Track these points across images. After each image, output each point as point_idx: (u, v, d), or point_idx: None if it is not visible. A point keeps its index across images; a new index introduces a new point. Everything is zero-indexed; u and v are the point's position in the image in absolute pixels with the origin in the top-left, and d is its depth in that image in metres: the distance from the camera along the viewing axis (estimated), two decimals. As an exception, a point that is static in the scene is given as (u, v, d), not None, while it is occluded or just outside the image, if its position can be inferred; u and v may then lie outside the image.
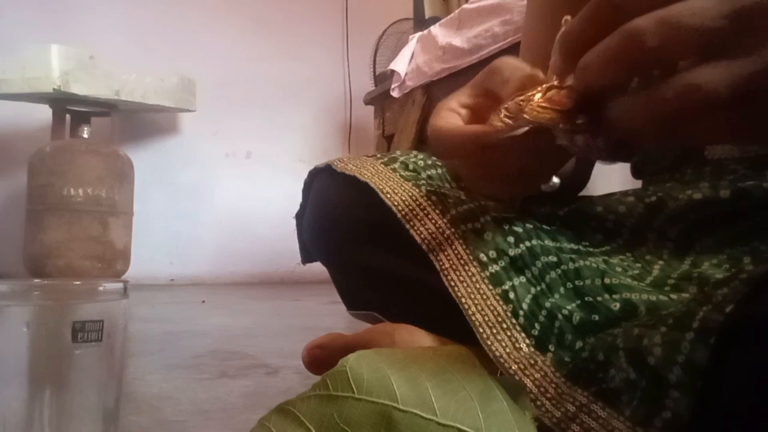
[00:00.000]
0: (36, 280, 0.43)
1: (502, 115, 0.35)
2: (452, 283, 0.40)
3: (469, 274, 0.40)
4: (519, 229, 0.43)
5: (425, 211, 0.44)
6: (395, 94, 2.16)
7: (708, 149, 0.48)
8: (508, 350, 0.37)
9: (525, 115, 0.33)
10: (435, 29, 1.94)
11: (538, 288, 0.40)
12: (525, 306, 0.39)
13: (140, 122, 2.78)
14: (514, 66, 0.39)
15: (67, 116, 2.37)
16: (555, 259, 0.42)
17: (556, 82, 0.34)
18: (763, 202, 0.42)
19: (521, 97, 0.34)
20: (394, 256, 0.47)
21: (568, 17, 0.34)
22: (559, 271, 0.41)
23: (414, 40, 2.08)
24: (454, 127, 0.41)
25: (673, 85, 0.27)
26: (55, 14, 2.63)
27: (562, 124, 0.33)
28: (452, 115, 0.42)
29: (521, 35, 0.67)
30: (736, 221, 0.43)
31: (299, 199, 0.58)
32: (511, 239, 0.42)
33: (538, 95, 0.33)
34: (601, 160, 0.35)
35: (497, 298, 0.39)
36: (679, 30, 0.26)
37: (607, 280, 0.41)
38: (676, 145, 0.40)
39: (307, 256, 0.60)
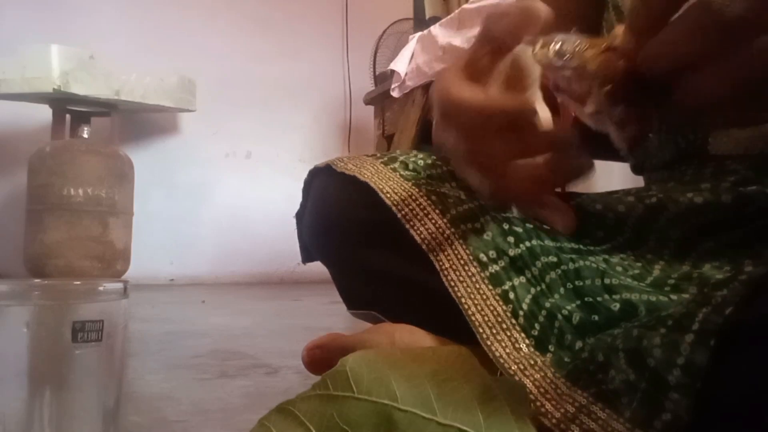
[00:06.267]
0: (36, 280, 0.43)
1: (551, 53, 0.31)
2: (452, 283, 0.40)
3: (469, 274, 0.40)
4: (519, 229, 0.43)
5: (425, 211, 0.44)
6: (395, 94, 2.16)
7: (710, 144, 0.47)
8: (507, 350, 0.37)
9: (587, 65, 0.30)
10: (435, 29, 1.94)
11: (538, 288, 0.40)
12: (525, 306, 0.39)
13: (140, 122, 2.78)
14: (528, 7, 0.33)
15: (67, 116, 2.37)
16: (555, 259, 0.42)
17: (615, 43, 0.30)
18: (765, 208, 0.42)
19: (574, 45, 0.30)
20: (394, 256, 0.47)
21: None
22: (559, 272, 0.41)
23: (414, 40, 2.07)
24: (480, 100, 0.35)
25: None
26: (55, 14, 2.63)
27: (610, 87, 0.29)
28: (466, 83, 0.35)
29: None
30: (737, 226, 0.43)
31: (299, 199, 0.58)
32: (511, 239, 0.42)
33: (592, 51, 0.30)
34: (625, 141, 0.32)
35: (497, 298, 0.39)
36: None
37: (607, 281, 0.41)
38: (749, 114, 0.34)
39: (307, 256, 0.60)
